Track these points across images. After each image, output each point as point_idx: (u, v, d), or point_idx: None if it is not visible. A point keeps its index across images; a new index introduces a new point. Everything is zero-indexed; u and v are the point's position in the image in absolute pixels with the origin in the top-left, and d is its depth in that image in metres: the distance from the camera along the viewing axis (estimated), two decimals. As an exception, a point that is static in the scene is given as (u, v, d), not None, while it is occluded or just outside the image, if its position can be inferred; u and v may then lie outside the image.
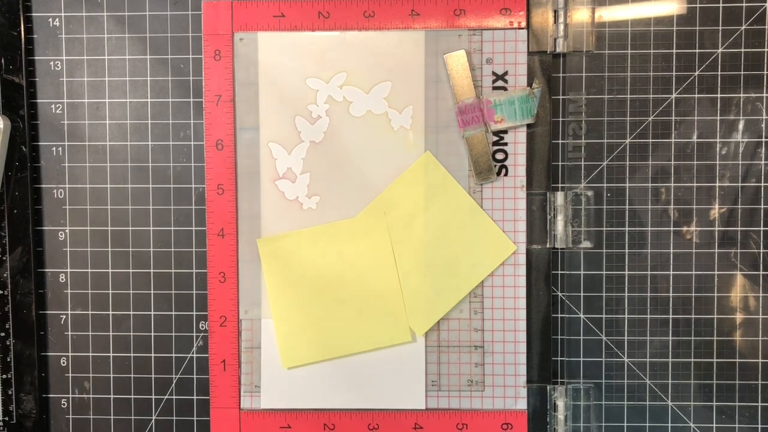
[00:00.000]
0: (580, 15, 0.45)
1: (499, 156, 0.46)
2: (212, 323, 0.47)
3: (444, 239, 0.46)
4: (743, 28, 0.45)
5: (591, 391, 0.46)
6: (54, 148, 0.47)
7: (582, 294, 0.47)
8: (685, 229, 0.46)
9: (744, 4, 0.45)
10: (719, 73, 0.46)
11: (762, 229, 0.46)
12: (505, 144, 0.46)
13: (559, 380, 0.47)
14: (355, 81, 0.46)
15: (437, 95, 0.46)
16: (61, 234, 0.48)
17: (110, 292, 0.48)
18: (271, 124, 0.46)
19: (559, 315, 0.47)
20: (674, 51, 0.46)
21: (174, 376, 0.48)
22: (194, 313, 0.48)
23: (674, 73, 0.46)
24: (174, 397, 0.48)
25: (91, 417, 0.48)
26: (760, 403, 0.46)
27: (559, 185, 0.46)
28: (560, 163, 0.46)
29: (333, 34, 0.46)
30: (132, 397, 0.48)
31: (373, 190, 0.46)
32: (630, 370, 0.47)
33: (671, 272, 0.46)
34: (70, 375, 0.48)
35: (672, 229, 0.46)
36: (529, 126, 0.46)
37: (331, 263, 0.46)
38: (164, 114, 0.47)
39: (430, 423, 0.46)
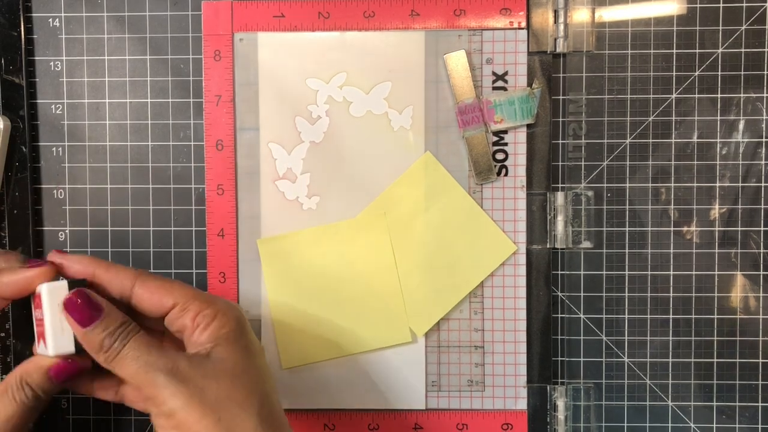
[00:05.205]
0: (580, 15, 0.45)
1: (499, 156, 0.46)
2: (212, 323, 0.47)
3: (444, 239, 0.46)
4: (743, 28, 0.45)
5: (591, 391, 0.46)
6: (54, 149, 0.47)
7: (582, 294, 0.47)
8: (685, 229, 0.46)
9: (744, 4, 0.45)
10: (719, 73, 0.46)
11: (762, 229, 0.46)
12: (505, 144, 0.46)
13: (559, 380, 0.47)
14: (355, 81, 0.46)
15: (437, 95, 0.46)
16: (61, 234, 0.48)
17: (110, 292, 0.48)
18: (271, 125, 0.46)
19: (559, 315, 0.47)
20: (674, 51, 0.46)
21: (174, 376, 0.48)
22: (194, 313, 0.47)
23: (674, 73, 0.46)
24: (174, 397, 0.48)
25: (91, 417, 0.48)
26: (760, 403, 0.46)
27: (559, 185, 0.46)
28: (560, 163, 0.46)
29: (333, 34, 0.46)
30: (132, 397, 0.48)
31: (373, 190, 0.46)
32: (630, 370, 0.47)
33: (671, 272, 0.46)
34: (71, 375, 0.48)
35: (672, 229, 0.46)
36: (529, 126, 0.46)
37: (331, 263, 0.46)
38: (164, 114, 0.47)
39: (430, 423, 0.46)
